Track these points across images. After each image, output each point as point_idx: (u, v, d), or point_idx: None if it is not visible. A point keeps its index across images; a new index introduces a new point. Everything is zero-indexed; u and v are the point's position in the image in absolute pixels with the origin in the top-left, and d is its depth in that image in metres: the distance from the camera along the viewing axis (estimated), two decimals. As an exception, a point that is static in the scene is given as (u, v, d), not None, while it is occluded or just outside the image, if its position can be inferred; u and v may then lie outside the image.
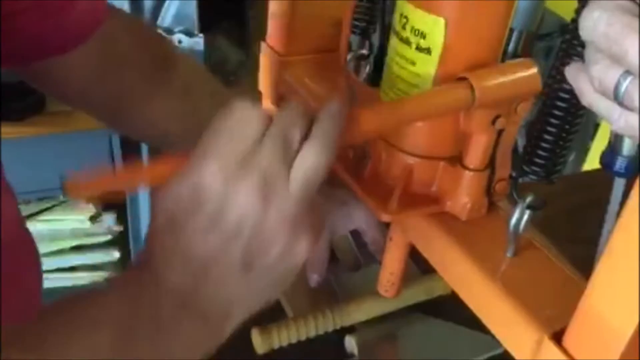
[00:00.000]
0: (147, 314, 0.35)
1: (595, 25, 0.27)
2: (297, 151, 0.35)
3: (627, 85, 0.27)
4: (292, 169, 0.35)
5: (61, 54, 0.53)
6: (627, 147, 0.36)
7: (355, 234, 0.70)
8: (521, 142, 0.45)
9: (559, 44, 0.40)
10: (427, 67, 0.40)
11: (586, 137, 1.33)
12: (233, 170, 0.34)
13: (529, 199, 0.39)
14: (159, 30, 1.00)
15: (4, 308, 0.46)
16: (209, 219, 0.34)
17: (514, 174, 0.43)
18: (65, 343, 0.33)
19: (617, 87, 0.28)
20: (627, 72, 0.27)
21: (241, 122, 0.35)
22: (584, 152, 1.38)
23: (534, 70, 0.39)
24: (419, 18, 0.39)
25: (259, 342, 0.59)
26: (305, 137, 0.35)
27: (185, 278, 0.35)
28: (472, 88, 0.37)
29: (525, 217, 0.39)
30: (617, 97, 0.28)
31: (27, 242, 0.53)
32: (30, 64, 0.53)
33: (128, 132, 0.69)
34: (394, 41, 0.42)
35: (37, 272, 0.55)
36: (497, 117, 0.40)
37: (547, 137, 0.40)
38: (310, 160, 0.35)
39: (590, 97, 0.30)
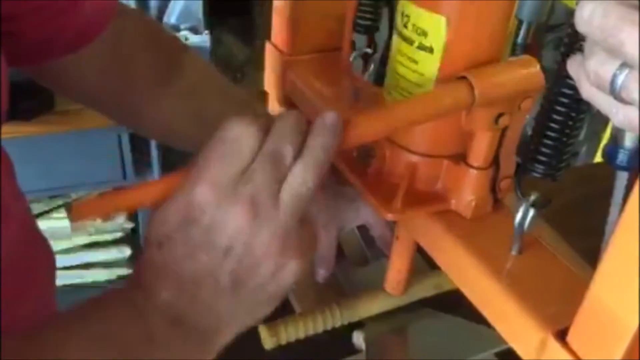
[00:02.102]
0: (139, 332, 0.36)
1: (591, 17, 0.27)
2: (289, 168, 0.35)
3: (623, 79, 0.27)
4: (282, 188, 0.35)
5: (70, 53, 0.53)
6: (629, 139, 0.36)
7: (363, 230, 0.70)
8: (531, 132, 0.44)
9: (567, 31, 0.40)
10: (430, 65, 0.40)
11: (599, 128, 1.32)
12: (224, 190, 0.34)
13: (533, 197, 0.39)
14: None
15: (19, 311, 0.46)
16: (199, 238, 0.35)
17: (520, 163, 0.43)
18: None
19: (613, 81, 0.28)
20: (623, 66, 0.27)
21: (234, 142, 0.35)
22: (596, 143, 1.36)
23: (536, 67, 0.39)
24: (421, 16, 0.39)
25: (267, 338, 0.59)
26: (299, 151, 0.36)
27: (176, 295, 0.36)
28: (471, 87, 0.37)
29: (530, 215, 0.39)
30: (612, 91, 0.28)
31: (40, 243, 0.54)
32: (40, 63, 0.54)
33: (138, 129, 0.69)
34: (396, 40, 0.42)
35: (52, 274, 0.56)
36: (500, 114, 0.40)
37: (550, 133, 0.40)
38: (299, 179, 0.35)
39: (588, 91, 0.30)
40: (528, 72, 0.39)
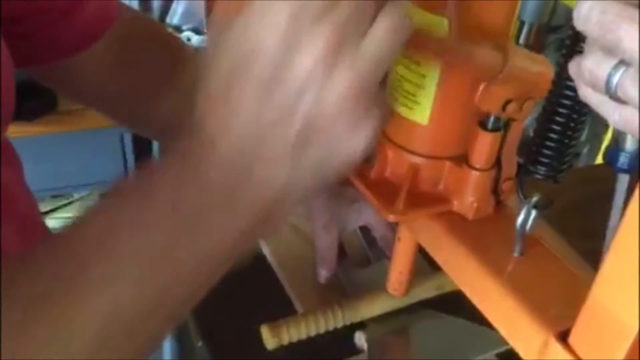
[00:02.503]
0: (195, 201, 0.31)
1: (589, 14, 0.27)
2: (371, 20, 0.31)
3: (619, 78, 0.27)
4: (365, 39, 0.31)
5: (75, 53, 0.54)
6: (630, 142, 0.36)
7: (365, 231, 0.70)
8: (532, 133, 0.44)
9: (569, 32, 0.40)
10: (432, 67, 0.40)
11: (600, 129, 1.32)
12: (301, 24, 0.29)
13: (535, 199, 0.39)
14: (168, 28, 1.00)
15: None
16: (268, 78, 0.30)
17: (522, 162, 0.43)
18: (111, 245, 0.31)
19: (608, 80, 0.28)
20: (620, 64, 0.27)
21: None
22: (597, 144, 1.36)
23: (548, 68, 0.39)
24: (423, 18, 0.39)
25: (269, 338, 0.60)
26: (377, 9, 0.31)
27: (238, 155, 0.31)
28: (505, 53, 0.36)
29: (532, 216, 0.39)
30: (608, 90, 0.28)
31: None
32: (46, 64, 0.54)
33: (137, 127, 0.69)
34: (398, 41, 0.42)
35: None
36: (509, 101, 0.39)
37: (552, 135, 0.40)
38: (383, 33, 0.31)
39: (585, 90, 0.30)
40: (542, 69, 0.39)
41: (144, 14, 0.65)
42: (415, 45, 0.35)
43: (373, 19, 0.31)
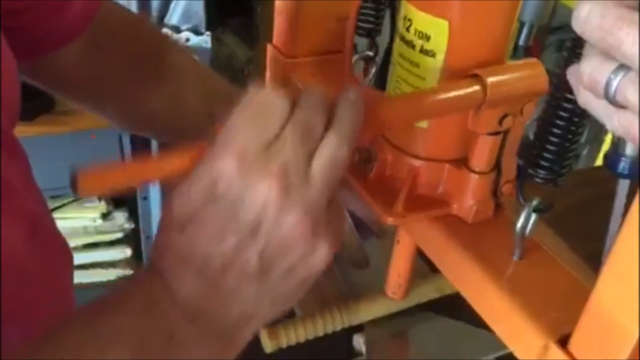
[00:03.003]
0: (158, 330, 0.33)
1: (589, 17, 0.27)
2: (319, 141, 0.33)
3: (618, 82, 0.27)
4: (314, 160, 0.33)
5: (60, 47, 0.53)
6: (630, 147, 0.36)
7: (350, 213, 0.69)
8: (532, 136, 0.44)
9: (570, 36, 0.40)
10: (432, 69, 0.40)
11: (600, 130, 1.32)
12: (253, 161, 0.32)
13: (535, 202, 0.39)
14: (166, 29, 1.00)
15: (40, 312, 0.46)
16: (225, 216, 0.32)
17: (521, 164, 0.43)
18: None
19: (607, 84, 0.27)
20: (619, 68, 0.27)
21: (263, 109, 0.33)
22: (597, 145, 1.36)
23: (541, 69, 0.39)
24: (423, 20, 0.39)
25: (268, 341, 0.59)
26: (326, 126, 0.33)
27: (199, 285, 0.33)
28: (483, 84, 0.37)
29: (532, 220, 0.39)
30: (607, 95, 0.28)
31: (58, 243, 0.54)
32: (32, 59, 0.53)
33: (131, 127, 0.67)
34: (397, 43, 0.42)
35: (69, 274, 0.55)
36: (505, 116, 0.39)
37: (552, 138, 0.40)
38: (331, 150, 0.33)
39: (584, 95, 0.30)
40: (534, 74, 0.39)
41: (123, 7, 0.63)
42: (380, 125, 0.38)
43: (324, 129, 0.33)
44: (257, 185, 0.32)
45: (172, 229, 0.33)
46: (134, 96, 0.59)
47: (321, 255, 0.34)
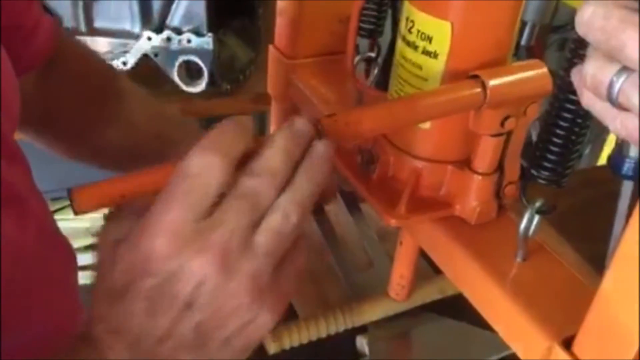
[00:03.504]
0: None
1: (592, 19, 0.27)
2: (267, 208, 0.31)
3: (621, 84, 0.27)
4: (259, 229, 0.31)
5: (24, 73, 0.51)
6: (634, 148, 0.36)
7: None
8: (535, 136, 0.44)
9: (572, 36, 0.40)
10: (434, 71, 0.40)
11: (602, 129, 1.31)
12: (187, 239, 0.30)
13: (538, 204, 0.38)
14: (168, 30, 1.00)
15: (47, 313, 0.46)
16: (158, 292, 0.31)
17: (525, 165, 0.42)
18: None
19: (610, 86, 0.27)
20: (622, 70, 0.27)
21: (197, 178, 0.30)
22: (600, 145, 1.36)
23: (544, 70, 0.39)
24: (425, 22, 0.39)
25: (270, 343, 0.59)
26: (284, 185, 0.32)
27: (133, 357, 0.32)
28: (484, 86, 0.37)
29: (535, 221, 0.39)
30: (610, 97, 0.28)
31: (61, 245, 0.54)
32: None
33: (84, 161, 0.65)
34: (400, 45, 0.42)
35: (74, 276, 0.55)
36: (507, 117, 0.39)
37: (556, 139, 0.39)
38: (279, 221, 0.31)
39: (587, 97, 0.30)
40: (537, 75, 0.38)
41: (84, 44, 0.63)
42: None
43: (268, 207, 0.31)
44: (192, 261, 0.30)
45: (105, 300, 0.32)
46: (87, 124, 0.58)
47: (262, 323, 0.33)
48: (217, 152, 0.31)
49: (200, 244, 0.30)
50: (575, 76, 0.30)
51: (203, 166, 0.31)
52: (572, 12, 0.29)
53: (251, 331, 0.33)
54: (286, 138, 0.32)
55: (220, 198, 0.31)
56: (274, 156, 0.32)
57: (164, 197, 0.31)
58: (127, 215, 0.33)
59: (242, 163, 0.32)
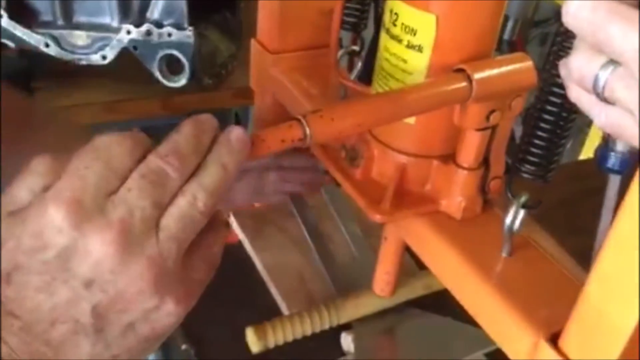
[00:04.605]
0: None
1: (579, 11, 0.27)
2: (176, 189, 0.31)
3: (607, 76, 0.27)
4: (166, 211, 0.30)
5: None
6: (621, 143, 0.36)
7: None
8: (518, 131, 0.44)
9: (554, 30, 0.39)
10: (419, 64, 0.39)
11: (583, 124, 1.33)
12: (87, 211, 0.29)
13: (523, 198, 0.38)
14: (149, 24, 0.98)
15: None
16: (55, 266, 0.29)
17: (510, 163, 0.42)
18: None
19: (596, 79, 0.27)
20: (608, 63, 0.27)
21: (103, 152, 0.30)
22: (581, 139, 1.37)
23: (529, 63, 0.38)
24: (410, 14, 0.38)
25: (254, 341, 0.59)
26: (193, 170, 0.31)
27: (27, 340, 0.30)
28: (469, 80, 0.36)
29: (520, 216, 0.38)
30: (596, 89, 0.27)
31: None
32: None
33: None
34: (384, 38, 0.41)
35: None
36: (492, 111, 0.39)
37: (541, 133, 0.39)
38: (186, 205, 0.30)
39: (574, 90, 0.30)
40: (522, 68, 0.38)
41: None
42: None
43: (177, 189, 0.31)
44: (90, 237, 0.29)
45: None
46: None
47: (167, 311, 0.31)
48: (128, 135, 0.31)
49: (99, 220, 0.29)
50: (562, 69, 0.30)
51: (109, 142, 0.30)
52: (554, 8, 0.29)
53: (156, 320, 0.31)
54: (193, 125, 0.32)
55: (125, 178, 0.30)
56: (180, 140, 0.31)
57: (68, 169, 0.30)
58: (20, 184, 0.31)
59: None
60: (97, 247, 0.29)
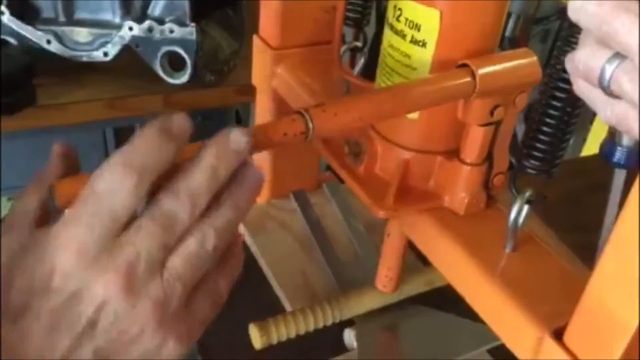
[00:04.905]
0: None
1: (585, 5, 0.27)
2: (184, 232, 0.30)
3: (613, 71, 0.27)
4: (173, 253, 0.30)
5: None
6: (627, 137, 0.35)
7: None
8: (520, 130, 0.44)
9: (556, 27, 0.39)
10: (423, 60, 0.39)
11: (586, 120, 1.32)
12: (93, 257, 0.29)
13: (527, 194, 0.38)
14: (150, 20, 0.98)
15: None
16: (60, 308, 0.29)
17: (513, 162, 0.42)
18: None
19: (602, 73, 0.27)
20: (614, 57, 0.26)
21: (106, 198, 0.29)
22: (583, 135, 1.37)
23: (533, 59, 0.38)
24: (414, 10, 0.38)
25: (257, 337, 0.58)
26: (206, 209, 0.30)
27: None
28: (473, 75, 0.36)
29: (524, 212, 0.38)
30: (602, 83, 0.27)
31: None
32: None
33: None
34: (388, 33, 0.41)
35: None
36: (496, 107, 0.39)
37: (546, 129, 0.39)
38: (195, 247, 0.30)
39: (579, 84, 0.30)
40: (526, 63, 0.38)
41: None
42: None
43: (185, 231, 0.30)
44: (96, 281, 0.29)
45: (3, 319, 0.30)
46: None
47: (167, 352, 0.31)
48: (129, 170, 0.29)
49: (105, 263, 0.29)
50: (568, 63, 0.30)
51: (111, 185, 0.29)
52: (555, 4, 0.29)
53: (156, 357, 0.31)
54: (215, 156, 0.30)
55: (134, 217, 0.30)
56: (197, 176, 0.30)
57: (72, 212, 0.29)
58: (23, 224, 0.32)
59: (167, 176, 0.30)
60: (102, 290, 0.29)
